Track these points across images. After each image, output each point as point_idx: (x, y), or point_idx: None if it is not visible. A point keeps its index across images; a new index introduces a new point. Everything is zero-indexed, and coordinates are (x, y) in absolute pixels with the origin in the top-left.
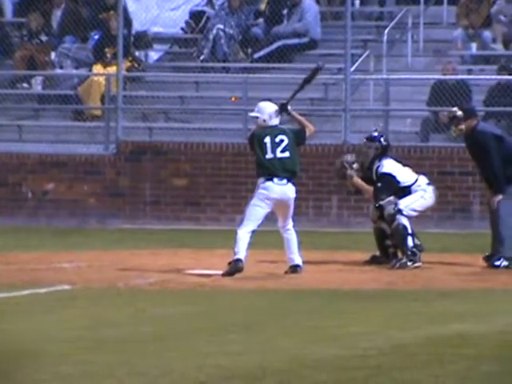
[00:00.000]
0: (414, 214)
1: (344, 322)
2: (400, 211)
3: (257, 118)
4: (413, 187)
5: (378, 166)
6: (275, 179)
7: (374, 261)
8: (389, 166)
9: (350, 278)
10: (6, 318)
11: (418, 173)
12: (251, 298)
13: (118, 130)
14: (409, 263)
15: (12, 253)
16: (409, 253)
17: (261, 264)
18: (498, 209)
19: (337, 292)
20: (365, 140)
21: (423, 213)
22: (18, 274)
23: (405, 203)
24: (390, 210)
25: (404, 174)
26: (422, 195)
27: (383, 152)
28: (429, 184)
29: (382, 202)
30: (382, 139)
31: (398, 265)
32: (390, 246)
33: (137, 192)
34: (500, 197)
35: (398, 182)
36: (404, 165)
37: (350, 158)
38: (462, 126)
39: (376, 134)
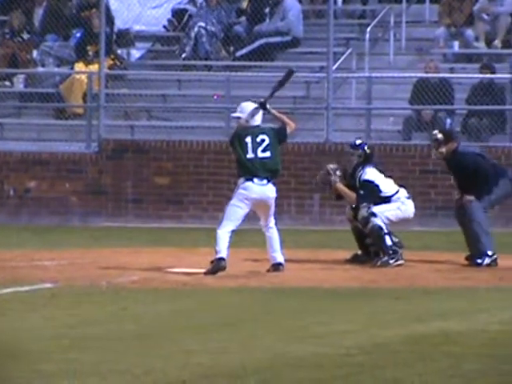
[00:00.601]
0: (386, 222)
1: (326, 320)
2: (373, 214)
3: (239, 118)
4: (393, 198)
5: (361, 174)
6: (255, 179)
7: (355, 259)
8: (371, 174)
9: (333, 276)
10: None
11: (399, 185)
12: (233, 296)
13: (100, 128)
14: (391, 261)
15: None
16: (390, 252)
17: (243, 262)
18: (471, 207)
19: (319, 290)
20: (349, 147)
21: (396, 224)
22: (0, 272)
23: (378, 209)
24: (363, 213)
25: (386, 184)
26: (398, 206)
27: (366, 160)
28: (408, 198)
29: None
30: (365, 147)
31: (379, 263)
32: (371, 244)
33: (119, 190)
34: (473, 198)
35: (380, 192)
36: (386, 176)
37: (332, 166)
38: (443, 150)
39: (360, 141)
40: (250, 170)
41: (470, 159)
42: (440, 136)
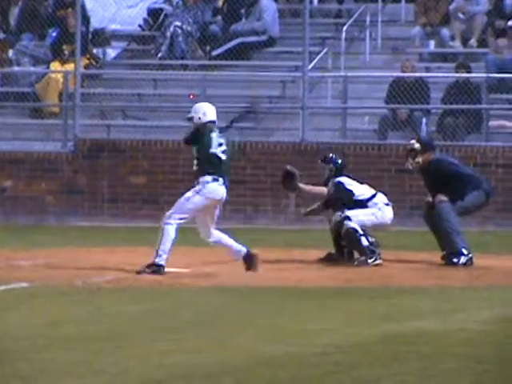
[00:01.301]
0: (361, 225)
1: (302, 320)
2: (347, 217)
3: (191, 118)
4: (369, 203)
5: (334, 180)
6: (221, 180)
7: (329, 258)
8: (343, 180)
9: (308, 276)
10: None
11: (377, 190)
12: (209, 295)
13: (75, 128)
14: (369, 261)
15: None
16: (367, 252)
17: (218, 262)
18: (443, 207)
19: (295, 289)
20: (319, 161)
21: (373, 229)
22: None
23: (352, 213)
24: (336, 217)
25: (360, 188)
26: (373, 212)
27: (337, 172)
28: (387, 204)
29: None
30: (337, 160)
31: (357, 263)
32: (346, 246)
33: (95, 190)
34: (445, 198)
35: (353, 194)
36: (361, 182)
37: (287, 171)
38: (419, 159)
39: (330, 155)
40: (218, 168)
41: (448, 168)
42: (417, 146)
